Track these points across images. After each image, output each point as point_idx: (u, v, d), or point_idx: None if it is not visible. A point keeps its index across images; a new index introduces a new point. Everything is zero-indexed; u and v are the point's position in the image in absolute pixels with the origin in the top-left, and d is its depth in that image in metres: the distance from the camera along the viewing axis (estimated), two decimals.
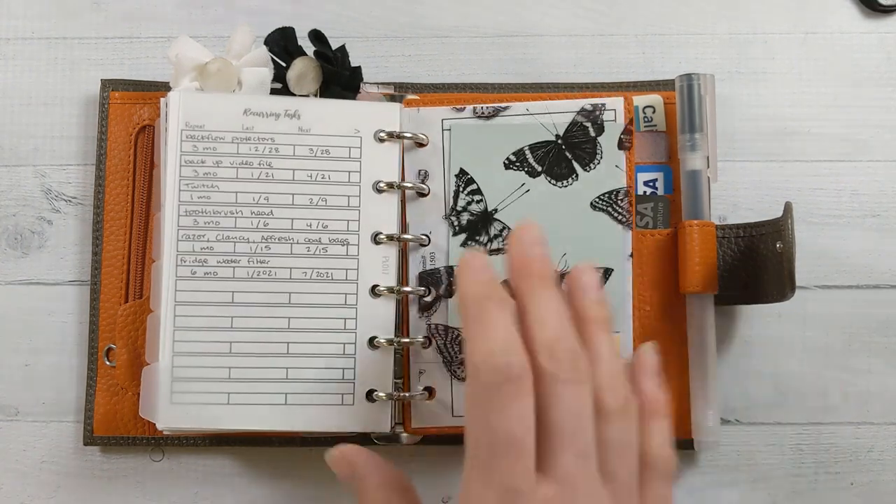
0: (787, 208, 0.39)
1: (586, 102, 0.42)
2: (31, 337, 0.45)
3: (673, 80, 0.43)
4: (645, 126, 0.44)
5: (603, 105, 0.42)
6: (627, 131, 0.42)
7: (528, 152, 0.42)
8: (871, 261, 0.45)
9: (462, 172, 0.42)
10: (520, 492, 0.28)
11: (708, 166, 0.42)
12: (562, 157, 0.42)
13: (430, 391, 0.42)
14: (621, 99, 0.42)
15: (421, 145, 0.43)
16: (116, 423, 0.43)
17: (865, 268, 0.45)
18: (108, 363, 0.43)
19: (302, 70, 0.42)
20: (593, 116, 0.42)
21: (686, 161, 0.42)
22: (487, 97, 0.44)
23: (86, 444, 0.43)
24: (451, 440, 0.42)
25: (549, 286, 0.31)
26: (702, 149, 0.42)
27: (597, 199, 0.42)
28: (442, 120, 0.43)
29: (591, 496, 0.29)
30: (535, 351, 0.29)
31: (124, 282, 0.43)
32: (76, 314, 0.45)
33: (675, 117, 0.43)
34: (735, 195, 0.45)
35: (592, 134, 0.42)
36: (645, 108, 0.44)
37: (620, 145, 0.42)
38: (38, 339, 0.45)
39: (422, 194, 0.43)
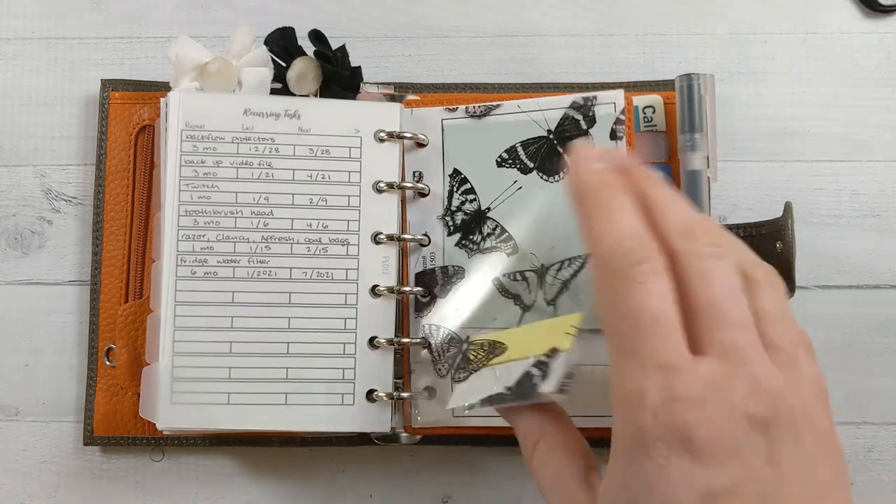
0: (787, 208, 0.39)
1: (578, 96, 0.42)
2: (31, 337, 0.45)
3: (673, 80, 0.43)
4: (645, 126, 0.44)
5: (594, 98, 0.42)
6: (620, 122, 0.41)
7: (519, 149, 0.42)
8: (871, 261, 0.45)
9: (455, 172, 0.42)
10: (677, 368, 0.26)
11: (708, 166, 0.42)
12: (553, 151, 0.42)
13: (429, 391, 0.42)
14: (621, 91, 0.42)
15: (421, 145, 0.43)
16: (116, 423, 0.43)
17: (865, 268, 0.45)
18: (108, 363, 0.43)
19: (302, 70, 0.42)
20: (584, 109, 0.42)
21: (686, 161, 0.42)
22: (487, 97, 0.44)
23: (86, 444, 0.43)
24: (452, 440, 0.42)
25: (660, 181, 0.30)
26: (702, 149, 0.42)
27: None
28: (442, 120, 0.43)
29: (763, 367, 0.27)
30: (668, 238, 0.28)
31: (124, 282, 0.43)
32: (76, 314, 0.45)
33: (675, 117, 0.43)
34: (735, 195, 0.45)
35: (584, 126, 0.42)
36: (645, 108, 0.44)
37: (612, 136, 0.42)
38: (38, 339, 0.45)
39: (422, 194, 0.43)
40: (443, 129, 0.43)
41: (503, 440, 0.42)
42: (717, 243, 0.29)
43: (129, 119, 0.44)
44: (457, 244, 0.42)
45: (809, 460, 0.27)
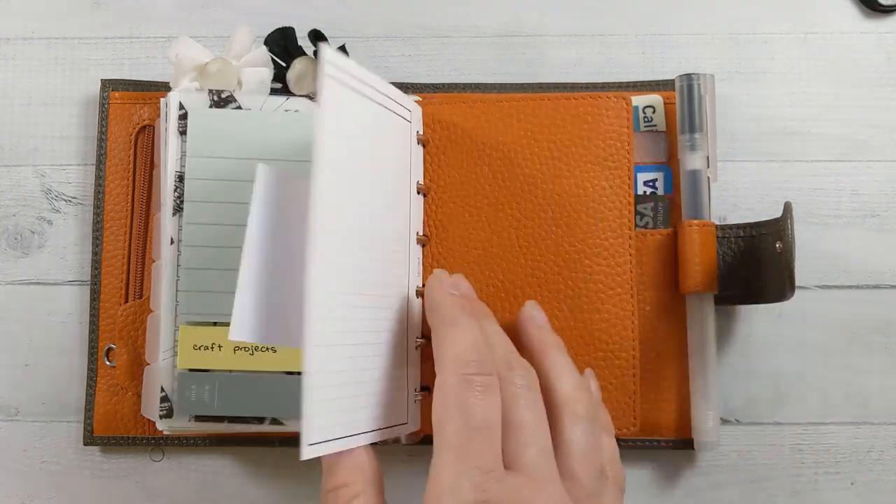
0: (787, 208, 0.39)
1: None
2: (31, 337, 0.45)
3: (673, 80, 0.43)
4: (645, 126, 0.44)
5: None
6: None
7: None
8: (871, 261, 0.45)
9: None
10: (494, 474, 0.30)
11: (708, 166, 0.42)
12: None
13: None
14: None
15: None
16: (116, 423, 0.43)
17: (865, 268, 0.45)
18: (108, 363, 0.43)
19: (302, 70, 0.42)
20: None
21: (686, 161, 0.42)
22: (487, 97, 0.44)
23: (86, 444, 0.43)
24: None
25: (490, 315, 0.36)
26: (702, 149, 0.42)
27: None
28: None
29: (554, 489, 0.31)
30: (497, 366, 0.33)
31: (124, 282, 0.43)
32: (76, 314, 0.45)
33: (675, 117, 0.43)
34: (735, 195, 0.45)
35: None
36: (645, 108, 0.44)
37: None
38: (38, 339, 0.45)
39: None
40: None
41: None
42: (530, 376, 0.33)
43: (129, 119, 0.44)
44: None
45: None
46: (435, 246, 0.42)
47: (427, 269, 0.42)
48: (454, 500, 0.29)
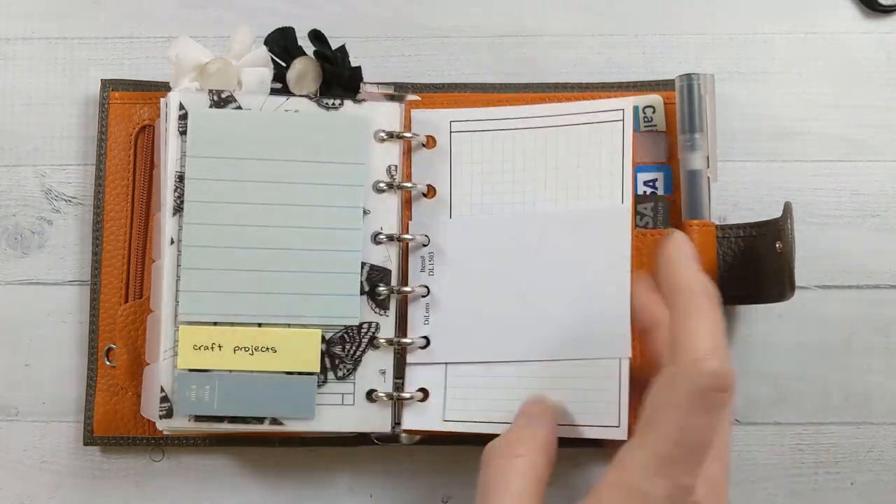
0: (787, 208, 0.39)
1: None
2: (31, 337, 0.45)
3: (673, 80, 0.43)
4: (645, 126, 0.44)
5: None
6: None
7: None
8: (871, 261, 0.45)
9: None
10: (689, 491, 0.30)
11: (708, 166, 0.42)
12: None
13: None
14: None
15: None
16: (116, 423, 0.43)
17: (865, 268, 0.45)
18: (108, 363, 0.43)
19: (302, 70, 0.42)
20: None
21: (686, 161, 0.42)
22: (487, 97, 0.44)
23: (86, 444, 0.43)
24: (452, 440, 0.42)
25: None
26: (702, 149, 0.42)
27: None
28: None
29: None
30: None
31: (124, 282, 0.43)
32: (76, 314, 0.45)
33: (675, 117, 0.43)
34: (735, 195, 0.45)
35: None
36: (645, 108, 0.44)
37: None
38: (38, 338, 0.45)
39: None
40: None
41: None
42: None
43: (129, 119, 0.44)
44: None
45: None
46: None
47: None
48: (642, 501, 0.30)
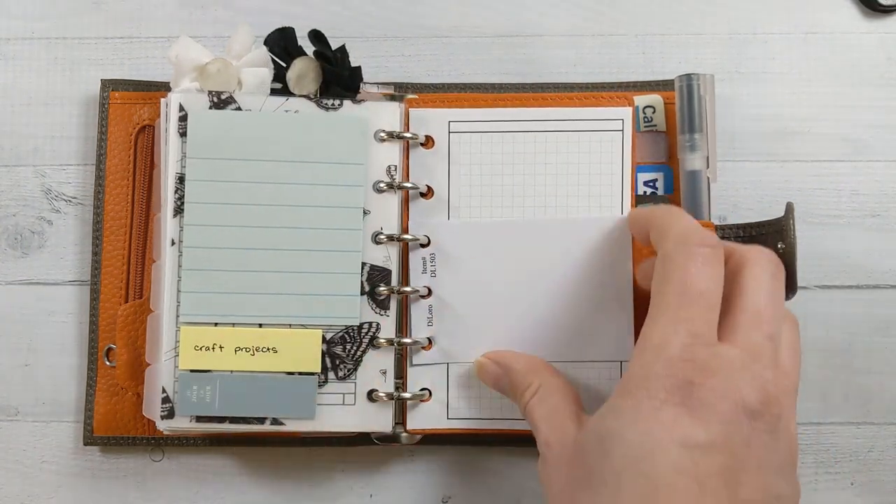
0: (789, 208, 0.39)
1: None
2: (31, 337, 0.45)
3: (673, 80, 0.43)
4: (645, 126, 0.44)
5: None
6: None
7: None
8: (871, 261, 0.45)
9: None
10: (703, 337, 0.31)
11: (708, 166, 0.42)
12: None
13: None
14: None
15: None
16: (116, 423, 0.43)
17: (865, 268, 0.45)
18: (108, 363, 0.43)
19: (302, 70, 0.42)
20: None
21: (686, 161, 0.42)
22: (487, 97, 0.44)
23: (86, 444, 0.43)
24: (452, 440, 0.42)
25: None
26: (701, 149, 0.42)
27: None
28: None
29: (771, 372, 0.31)
30: (734, 247, 0.35)
31: (124, 282, 0.43)
32: (76, 314, 0.45)
33: (675, 117, 0.43)
34: (735, 195, 0.45)
35: None
36: (645, 108, 0.44)
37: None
38: (38, 339, 0.45)
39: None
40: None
41: (503, 440, 0.43)
42: (780, 266, 0.34)
43: (129, 119, 0.44)
44: None
45: (774, 458, 0.30)
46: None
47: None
48: (659, 355, 0.30)
